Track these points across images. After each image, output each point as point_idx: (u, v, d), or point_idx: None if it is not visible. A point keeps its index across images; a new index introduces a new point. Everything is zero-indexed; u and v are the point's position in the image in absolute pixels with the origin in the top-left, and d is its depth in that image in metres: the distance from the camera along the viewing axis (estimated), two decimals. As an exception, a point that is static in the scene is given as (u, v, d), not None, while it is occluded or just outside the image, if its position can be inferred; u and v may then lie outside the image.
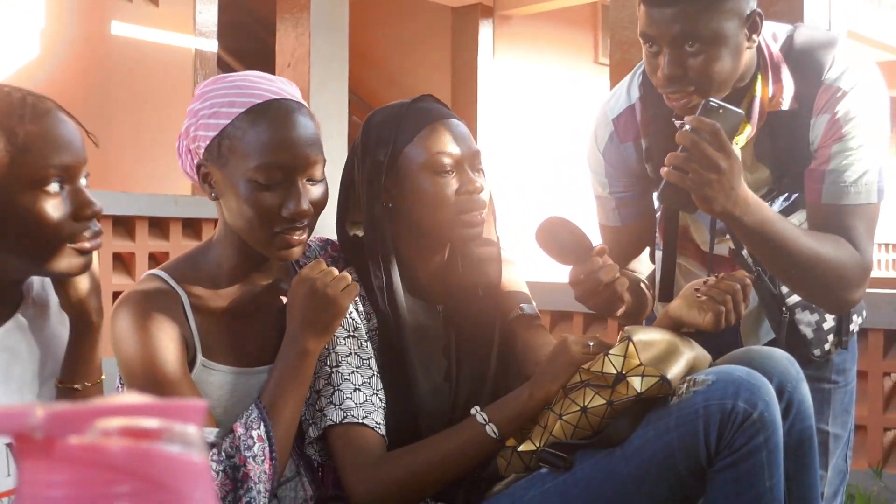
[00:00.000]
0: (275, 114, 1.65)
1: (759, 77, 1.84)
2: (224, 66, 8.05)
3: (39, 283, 1.56)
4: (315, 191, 1.68)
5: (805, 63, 1.84)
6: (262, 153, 1.62)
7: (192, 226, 4.59)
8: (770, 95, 1.83)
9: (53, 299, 1.55)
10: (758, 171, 1.92)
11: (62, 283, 1.47)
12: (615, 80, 6.32)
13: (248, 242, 1.70)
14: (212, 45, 6.09)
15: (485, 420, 1.68)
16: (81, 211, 1.40)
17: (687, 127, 1.62)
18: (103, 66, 5.65)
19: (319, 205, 1.69)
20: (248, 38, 8.70)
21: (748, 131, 1.83)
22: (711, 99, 1.67)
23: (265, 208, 1.63)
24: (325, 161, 1.70)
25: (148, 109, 5.76)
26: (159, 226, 4.54)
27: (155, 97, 5.80)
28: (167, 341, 1.62)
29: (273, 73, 4.56)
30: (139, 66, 5.77)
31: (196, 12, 6.00)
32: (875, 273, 9.05)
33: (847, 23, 8.23)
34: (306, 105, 1.71)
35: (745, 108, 1.83)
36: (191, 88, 5.98)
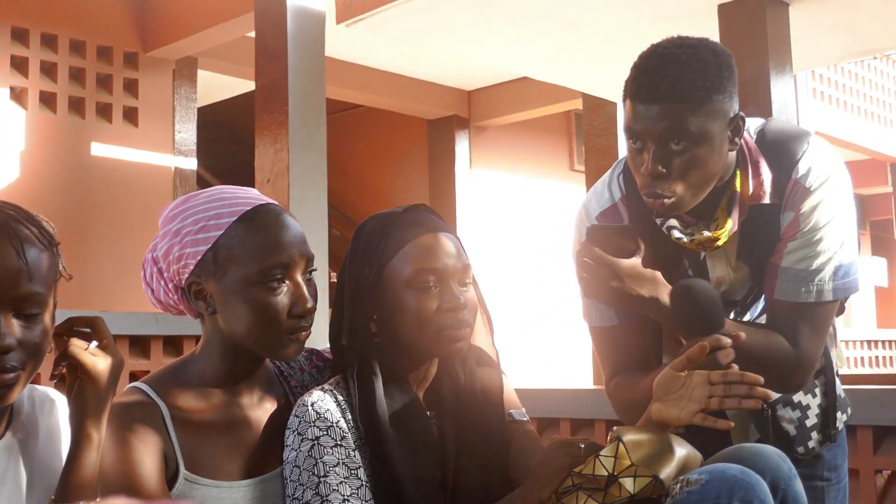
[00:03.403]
0: (265, 218, 1.70)
1: (739, 173, 1.86)
2: (204, 184, 8.12)
3: (30, 405, 1.54)
4: (312, 287, 1.73)
5: (778, 155, 1.86)
6: (263, 257, 1.66)
7: (173, 343, 4.55)
8: (751, 191, 1.85)
9: (43, 421, 1.54)
10: (740, 270, 1.93)
11: (79, 393, 1.47)
12: (590, 187, 6.42)
13: (245, 349, 1.71)
14: (191, 164, 6.15)
15: None
16: None
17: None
18: (83, 187, 5.68)
19: (316, 300, 1.73)
20: (226, 155, 8.80)
21: (730, 226, 1.83)
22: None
23: (273, 310, 1.67)
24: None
25: (128, 228, 5.78)
26: (140, 344, 4.51)
27: (135, 216, 5.82)
28: (145, 456, 1.60)
29: (253, 188, 4.62)
30: (119, 186, 5.80)
31: (175, 132, 6.08)
32: (858, 370, 9.07)
33: (814, 124, 8.43)
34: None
35: (727, 203, 1.85)
36: (171, 206, 6.01)
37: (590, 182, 6.38)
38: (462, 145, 7.78)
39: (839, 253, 1.85)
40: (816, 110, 8.63)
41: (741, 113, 1.79)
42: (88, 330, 1.51)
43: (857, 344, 9.57)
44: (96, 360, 1.48)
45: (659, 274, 1.75)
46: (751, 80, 5.08)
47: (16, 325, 1.39)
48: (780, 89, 5.06)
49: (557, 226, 7.83)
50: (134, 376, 4.49)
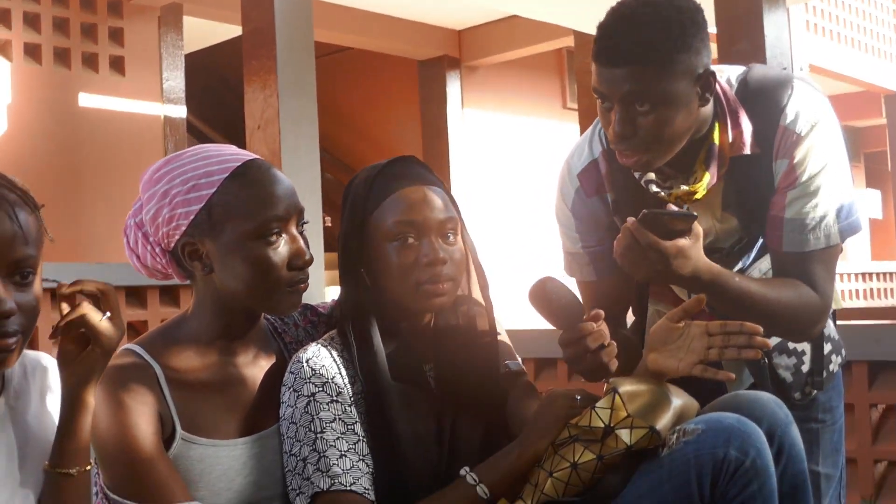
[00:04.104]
0: (257, 173, 1.69)
1: (717, 125, 1.84)
2: (194, 132, 8.06)
3: (21, 371, 1.54)
4: (305, 240, 1.72)
5: (761, 104, 1.84)
6: (259, 211, 1.65)
7: (169, 293, 4.54)
8: (730, 140, 1.83)
9: (35, 387, 1.53)
10: (726, 221, 1.92)
11: (84, 361, 1.44)
12: (584, 124, 6.38)
13: (240, 306, 1.71)
14: (180, 112, 6.09)
15: (475, 480, 1.66)
16: None
17: (629, 222, 1.69)
18: (72, 139, 5.63)
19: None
20: (216, 102, 8.72)
21: (707, 179, 1.83)
22: (654, 210, 1.69)
23: (273, 263, 1.66)
24: None
25: (119, 178, 5.73)
26: (136, 295, 4.50)
27: (126, 166, 5.78)
28: (141, 417, 1.60)
29: (243, 136, 4.59)
30: (108, 136, 5.75)
31: (163, 80, 6.01)
32: (851, 303, 9.11)
33: (809, 57, 8.36)
34: None
35: (705, 156, 1.84)
36: (161, 155, 5.96)
37: (583, 120, 6.34)
38: (453, 85, 7.71)
39: (839, 195, 1.84)
40: (810, 43, 8.54)
41: (711, 69, 1.77)
42: (98, 295, 1.48)
43: (851, 277, 9.59)
44: (110, 332, 1.45)
45: (701, 251, 1.74)
46: (743, 15, 5.02)
47: (12, 290, 1.39)
48: (773, 23, 5.00)
49: (551, 164, 7.79)
50: (132, 326, 4.49)
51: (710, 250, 1.88)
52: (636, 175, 1.87)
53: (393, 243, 1.73)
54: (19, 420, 1.49)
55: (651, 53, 1.70)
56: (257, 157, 1.72)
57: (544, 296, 1.74)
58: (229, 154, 1.71)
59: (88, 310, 1.44)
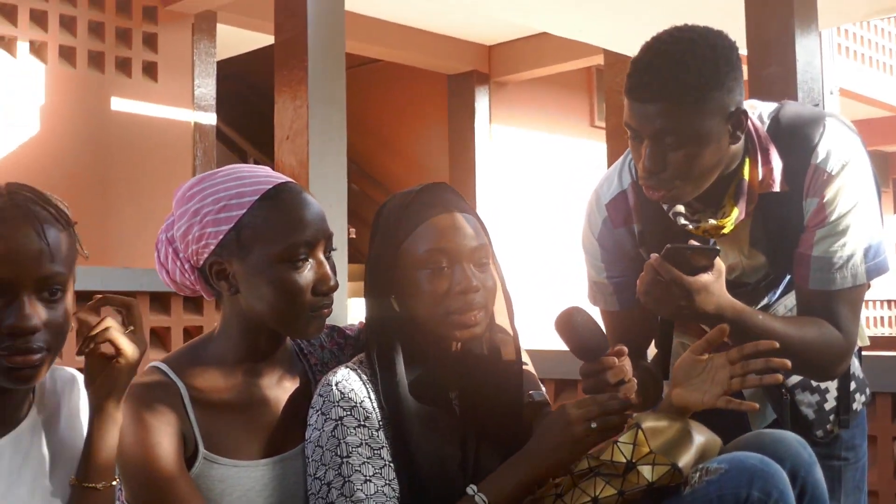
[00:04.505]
0: (288, 196, 1.69)
1: (748, 161, 1.85)
2: (223, 139, 8.11)
3: (52, 385, 1.55)
4: (332, 266, 1.72)
5: (793, 142, 1.85)
6: (287, 235, 1.66)
7: (193, 301, 4.56)
8: (760, 178, 1.84)
9: (65, 401, 1.55)
10: (754, 257, 1.92)
11: (109, 376, 1.46)
12: (611, 143, 6.37)
13: (265, 328, 1.71)
14: (210, 118, 6.13)
15: (484, 502, 1.66)
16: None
17: (652, 258, 1.69)
18: (103, 142, 5.68)
19: (337, 278, 1.73)
20: (246, 109, 8.77)
21: (736, 214, 1.83)
22: (677, 245, 1.70)
23: (298, 288, 1.66)
24: None
25: (148, 183, 5.78)
26: (160, 301, 4.53)
27: (155, 171, 5.83)
28: (163, 436, 1.61)
29: (272, 144, 4.62)
30: (139, 141, 5.80)
31: (194, 86, 6.06)
32: (876, 331, 9.05)
33: (839, 81, 8.32)
34: None
35: (734, 191, 1.85)
36: (190, 161, 6.01)
37: (610, 138, 6.34)
38: (482, 101, 7.73)
39: (868, 234, 1.84)
40: (841, 66, 8.51)
41: (743, 108, 1.78)
42: (122, 310, 1.50)
43: (877, 304, 9.53)
44: (133, 345, 1.47)
45: (724, 288, 1.74)
46: (775, 39, 4.99)
47: (39, 307, 1.40)
48: (805, 47, 4.97)
49: (576, 182, 7.79)
50: (155, 332, 4.52)
51: (735, 285, 1.88)
52: (665, 207, 1.87)
53: (425, 271, 1.73)
54: (49, 434, 1.51)
55: (684, 91, 1.71)
56: (290, 180, 1.73)
57: (570, 326, 1.74)
58: (262, 176, 1.72)
59: (111, 323, 1.46)
